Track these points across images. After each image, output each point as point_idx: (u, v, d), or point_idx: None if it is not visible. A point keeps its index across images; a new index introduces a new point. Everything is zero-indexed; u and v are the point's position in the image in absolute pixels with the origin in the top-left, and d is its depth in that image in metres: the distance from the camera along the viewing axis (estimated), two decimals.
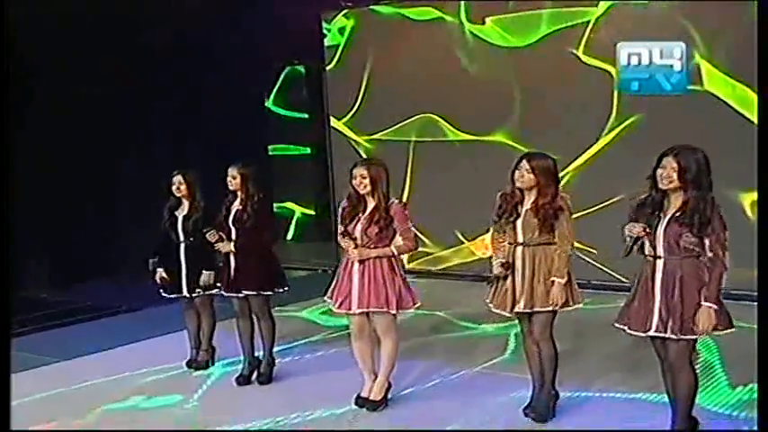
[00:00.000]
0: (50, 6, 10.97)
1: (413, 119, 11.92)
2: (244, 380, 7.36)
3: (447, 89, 11.57)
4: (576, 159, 10.39)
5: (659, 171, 5.16)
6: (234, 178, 7.19)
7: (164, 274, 7.75)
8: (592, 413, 6.34)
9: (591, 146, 10.54)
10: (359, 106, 12.39)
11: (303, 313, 9.96)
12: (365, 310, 6.39)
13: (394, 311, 6.40)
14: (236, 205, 7.25)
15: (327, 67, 12.76)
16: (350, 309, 6.43)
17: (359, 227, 6.38)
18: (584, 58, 10.56)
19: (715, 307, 5.09)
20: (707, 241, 5.09)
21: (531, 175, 5.86)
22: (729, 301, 5.29)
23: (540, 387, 6.15)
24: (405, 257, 6.58)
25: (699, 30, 9.77)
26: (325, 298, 6.64)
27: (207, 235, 7.20)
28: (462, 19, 11.47)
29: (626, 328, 5.39)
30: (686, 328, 5.13)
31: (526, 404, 6.25)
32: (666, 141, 5.44)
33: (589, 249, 9.51)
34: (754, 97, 9.06)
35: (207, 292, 7.68)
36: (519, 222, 5.92)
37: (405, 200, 9.13)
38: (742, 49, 9.00)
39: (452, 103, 11.58)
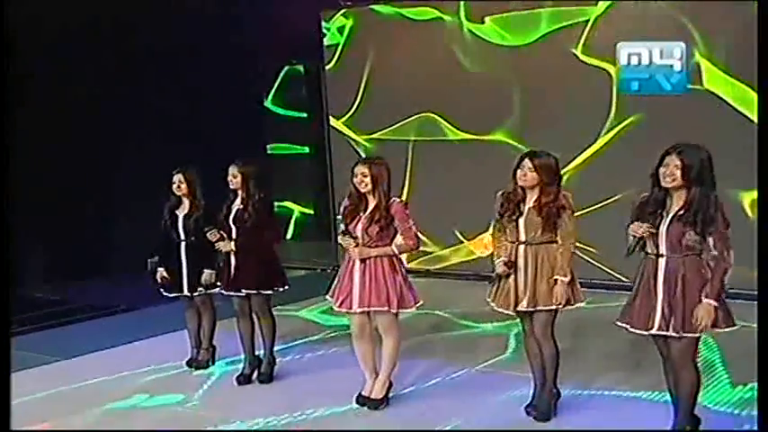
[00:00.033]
0: (50, 6, 10.97)
1: (412, 118, 11.93)
2: (245, 379, 7.36)
3: (446, 88, 11.58)
4: (575, 158, 10.39)
5: (662, 169, 5.15)
6: (234, 177, 7.17)
7: (164, 274, 7.74)
8: (593, 412, 6.34)
9: (590, 145, 10.55)
10: (358, 105, 12.39)
11: (302, 313, 9.96)
12: (366, 309, 6.39)
13: (395, 310, 6.40)
14: (237, 204, 7.23)
15: (327, 67, 12.76)
16: (351, 308, 6.42)
17: (360, 226, 6.37)
18: (583, 58, 10.57)
19: (715, 303, 5.09)
20: (710, 239, 5.09)
21: (534, 174, 5.86)
22: (729, 300, 5.29)
23: (542, 386, 6.15)
24: (404, 256, 6.55)
25: (698, 29, 9.79)
26: (327, 297, 6.64)
27: (208, 234, 7.19)
28: (462, 18, 11.47)
29: (628, 326, 5.39)
30: (688, 326, 5.13)
31: (528, 402, 6.26)
32: (666, 140, 5.44)
33: (588, 248, 9.50)
34: (753, 96, 9.08)
35: (208, 291, 7.67)
36: (521, 221, 5.92)
37: (404, 199, 9.13)
38: (742, 48, 9.02)
39: (451, 102, 11.59)
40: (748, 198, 9.22)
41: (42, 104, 11.55)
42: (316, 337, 8.82)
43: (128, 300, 10.62)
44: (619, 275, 10.13)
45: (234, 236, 7.22)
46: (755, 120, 8.04)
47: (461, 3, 11.48)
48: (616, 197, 9.95)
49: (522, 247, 5.95)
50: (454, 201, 11.30)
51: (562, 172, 6.13)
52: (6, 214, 9.31)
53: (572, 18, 10.65)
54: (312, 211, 15.23)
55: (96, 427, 6.53)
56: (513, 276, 5.97)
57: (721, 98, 9.69)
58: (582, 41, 10.56)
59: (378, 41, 12.23)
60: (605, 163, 10.39)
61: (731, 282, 5.23)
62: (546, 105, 10.81)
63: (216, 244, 7.22)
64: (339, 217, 6.65)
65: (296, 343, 8.55)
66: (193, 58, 12.54)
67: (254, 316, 7.39)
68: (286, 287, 7.39)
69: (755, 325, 5.03)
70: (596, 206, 10.02)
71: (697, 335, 5.19)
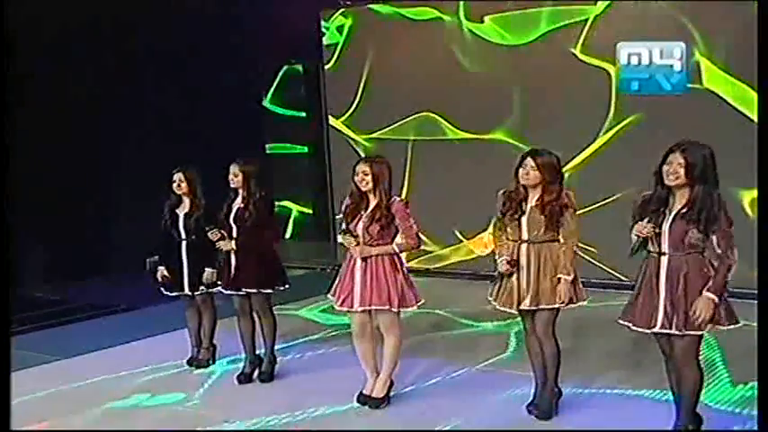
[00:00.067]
0: (50, 6, 10.96)
1: (411, 117, 11.93)
2: (245, 378, 7.35)
3: (445, 88, 11.60)
4: (574, 158, 10.39)
5: (665, 167, 5.14)
6: (236, 176, 7.16)
7: (165, 273, 7.73)
8: (594, 411, 6.34)
9: (589, 145, 10.56)
10: (357, 105, 12.41)
11: (301, 312, 9.97)
12: (367, 307, 6.39)
13: (396, 309, 6.39)
14: (238, 203, 7.22)
15: (326, 66, 12.76)
16: (352, 306, 6.42)
17: (361, 224, 6.37)
18: (583, 57, 10.58)
19: (714, 297, 5.09)
20: (714, 238, 5.10)
21: (537, 172, 5.86)
22: (730, 299, 5.29)
23: (543, 384, 6.15)
24: (403, 255, 6.55)
25: (698, 29, 9.80)
26: (329, 295, 6.64)
27: (209, 234, 7.18)
28: (461, 18, 11.48)
29: (630, 324, 5.39)
30: (691, 324, 5.14)
31: (529, 401, 6.26)
32: (665, 139, 5.45)
33: (588, 248, 9.51)
34: (753, 95, 9.10)
35: (209, 290, 7.67)
36: (524, 219, 5.92)
37: (404, 198, 9.14)
38: (742, 48, 9.03)
39: (451, 101, 11.61)
40: (748, 197, 9.23)
41: (42, 104, 11.54)
42: (316, 336, 8.82)
43: (127, 299, 10.61)
44: (618, 275, 10.17)
45: (234, 235, 7.22)
46: (755, 119, 8.05)
47: (461, 2, 11.48)
48: (615, 196, 9.97)
49: (524, 246, 5.95)
50: (453, 200, 11.31)
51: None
52: (6, 214, 9.32)
53: (571, 17, 10.65)
54: (311, 211, 15.22)
55: (97, 427, 6.52)
56: (515, 275, 5.97)
57: (721, 97, 9.71)
58: (581, 41, 10.58)
59: (377, 41, 12.23)
60: (605, 162, 10.40)
61: (731, 281, 5.24)
62: (545, 105, 10.82)
63: (217, 243, 7.21)
64: (340, 216, 6.65)
65: (296, 342, 8.56)
66: (192, 57, 12.55)
67: (255, 315, 7.38)
68: (287, 286, 7.38)
69: (756, 324, 5.04)
70: (596, 205, 10.02)
71: (700, 333, 5.20)
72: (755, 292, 5.07)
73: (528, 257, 5.93)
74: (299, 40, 13.25)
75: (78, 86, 11.72)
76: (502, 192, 6.06)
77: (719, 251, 5.09)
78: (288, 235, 15.20)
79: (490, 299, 6.17)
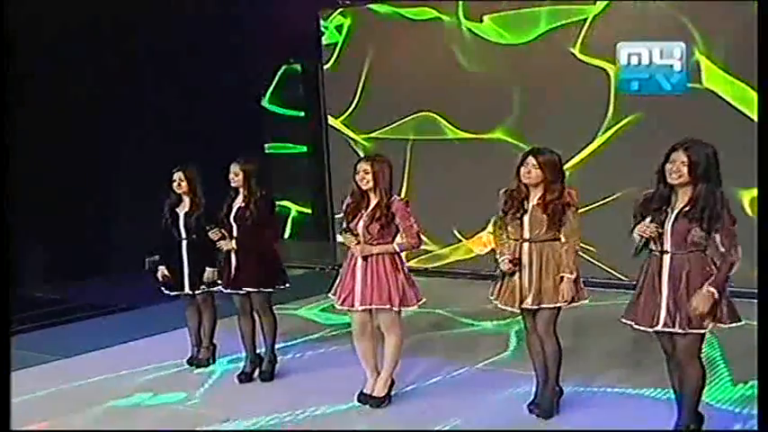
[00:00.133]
0: (50, 6, 10.96)
1: (410, 117, 11.94)
2: (246, 377, 7.36)
3: (444, 87, 11.61)
4: (574, 157, 10.40)
5: (668, 165, 5.15)
6: (236, 175, 7.15)
7: (165, 272, 7.73)
8: (595, 409, 6.35)
9: (589, 144, 10.57)
10: (357, 104, 12.41)
11: (300, 311, 9.98)
12: (368, 307, 6.40)
13: (397, 308, 6.40)
14: (239, 202, 7.22)
15: (325, 66, 12.77)
16: (353, 305, 6.42)
17: (361, 223, 6.37)
18: (581, 57, 10.59)
19: (714, 291, 5.09)
20: (717, 236, 5.10)
21: (539, 171, 5.86)
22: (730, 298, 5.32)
23: (544, 383, 6.16)
24: (402, 254, 6.54)
25: (698, 29, 9.82)
26: (330, 294, 6.64)
27: (210, 233, 7.18)
28: (460, 17, 11.48)
29: (633, 323, 5.39)
30: (694, 322, 5.15)
31: (530, 400, 6.26)
32: (665, 138, 5.46)
33: (587, 247, 9.52)
34: (753, 95, 9.11)
35: (209, 289, 7.67)
36: (526, 218, 5.93)
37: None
38: (741, 48, 9.04)
39: (450, 101, 11.61)
40: (747, 196, 9.23)
41: (42, 104, 11.53)
42: (316, 336, 8.83)
43: (127, 299, 10.61)
44: (617, 274, 10.19)
45: (235, 234, 7.22)
46: (755, 118, 8.06)
47: (460, 2, 11.49)
48: (615, 196, 9.99)
49: (526, 245, 5.95)
50: (452, 199, 11.32)
51: None
52: (6, 214, 9.32)
53: (570, 17, 10.66)
54: (310, 211, 15.21)
55: (98, 426, 6.51)
56: (517, 274, 5.97)
57: (720, 97, 9.72)
58: (580, 41, 10.59)
59: (376, 40, 12.24)
60: (604, 162, 10.41)
61: (732, 280, 5.25)
62: (544, 104, 10.83)
63: (217, 242, 7.21)
64: (341, 215, 6.65)
65: (296, 341, 8.56)
66: (191, 57, 12.53)
67: (255, 314, 7.38)
68: (287, 285, 7.38)
69: (756, 323, 5.06)
70: (596, 205, 10.03)
71: (702, 331, 5.21)
72: (755, 291, 5.08)
73: (530, 256, 5.93)
74: (298, 40, 13.24)
75: (78, 86, 11.71)
76: (503, 191, 6.05)
77: (723, 249, 5.10)
78: (287, 235, 15.19)
79: (491, 298, 6.17)
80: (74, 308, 10.46)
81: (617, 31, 10.27)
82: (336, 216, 12.18)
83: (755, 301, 5.09)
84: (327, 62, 12.72)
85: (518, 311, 6.09)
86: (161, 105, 12.46)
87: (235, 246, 7.19)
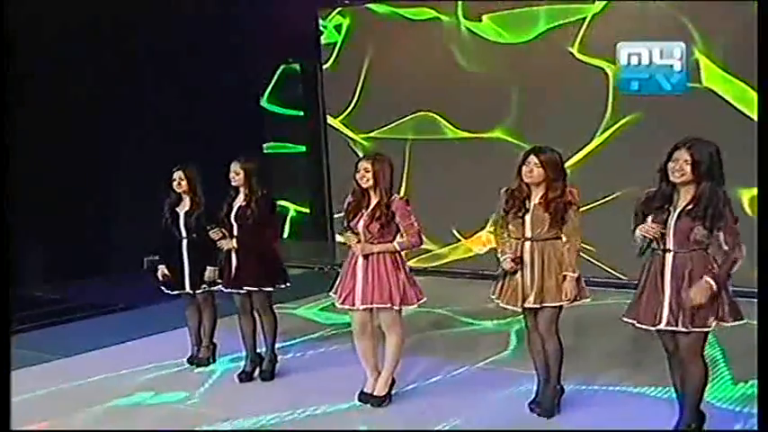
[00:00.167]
0: (50, 6, 10.96)
1: (409, 116, 11.94)
2: (246, 376, 7.36)
3: (443, 87, 11.61)
4: (572, 156, 10.40)
5: (671, 164, 5.15)
6: (237, 174, 7.15)
7: (165, 271, 7.73)
8: (596, 408, 6.36)
9: (588, 143, 10.58)
10: (356, 104, 12.41)
11: (299, 311, 9.98)
12: (368, 306, 6.40)
13: (397, 307, 6.40)
14: (239, 201, 7.21)
15: (324, 65, 12.77)
16: (353, 304, 6.42)
17: (361, 222, 6.38)
18: (580, 56, 10.60)
19: (713, 283, 5.09)
20: (720, 234, 5.11)
21: (541, 169, 5.86)
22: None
23: (545, 382, 6.17)
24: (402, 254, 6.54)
25: (698, 29, 9.83)
26: (331, 293, 6.65)
27: (211, 233, 7.18)
28: (459, 17, 11.49)
29: (635, 322, 5.39)
30: (698, 320, 5.15)
31: (531, 399, 6.26)
32: (664, 137, 5.47)
33: (586, 246, 9.52)
34: (752, 94, 9.12)
35: (210, 289, 7.67)
36: (528, 217, 5.93)
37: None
38: (741, 48, 9.05)
39: (449, 100, 11.61)
40: (747, 196, 9.24)
41: (42, 104, 11.53)
42: (316, 335, 8.83)
43: (127, 298, 10.62)
44: (616, 273, 10.20)
45: (235, 233, 7.21)
46: (755, 118, 8.07)
47: (459, 2, 11.49)
48: (615, 195, 10.00)
49: (527, 244, 5.95)
50: (451, 199, 11.32)
51: None
52: (6, 214, 9.32)
53: (569, 16, 10.67)
54: (308, 210, 15.21)
55: (99, 425, 6.52)
56: (519, 273, 5.97)
57: (720, 96, 9.73)
58: (578, 40, 10.60)
59: (375, 40, 12.24)
60: (604, 161, 10.41)
61: (732, 279, 5.27)
62: (543, 104, 10.83)
63: (218, 242, 7.21)
64: (341, 214, 6.65)
65: (296, 341, 8.56)
66: (190, 57, 12.53)
67: (256, 313, 7.38)
68: (287, 284, 7.38)
69: (755, 322, 5.07)
70: (596, 204, 10.03)
71: (706, 329, 5.22)
72: (755, 290, 5.09)
73: (531, 255, 5.93)
74: (297, 39, 13.23)
75: (78, 86, 11.71)
76: (504, 189, 6.04)
77: (726, 247, 5.11)
78: (285, 234, 15.18)
79: (493, 297, 6.16)
80: (74, 307, 10.44)
81: (617, 30, 10.28)
82: (335, 216, 12.23)
83: (755, 300, 5.10)
84: (326, 62, 12.72)
85: (519, 310, 6.08)
86: (159, 105, 12.45)
87: (235, 245, 7.19)
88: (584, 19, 10.58)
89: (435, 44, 11.68)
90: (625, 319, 5.46)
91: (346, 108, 12.52)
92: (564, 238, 5.93)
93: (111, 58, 11.98)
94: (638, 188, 5.56)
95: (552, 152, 5.94)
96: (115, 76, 12.09)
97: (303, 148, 14.97)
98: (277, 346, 7.58)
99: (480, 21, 11.37)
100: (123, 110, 12.27)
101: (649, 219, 5.26)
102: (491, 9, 11.28)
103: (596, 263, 10.22)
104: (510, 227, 6.04)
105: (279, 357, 7.54)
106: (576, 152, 10.47)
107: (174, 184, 7.63)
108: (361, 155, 9.20)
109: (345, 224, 6.49)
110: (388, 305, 6.36)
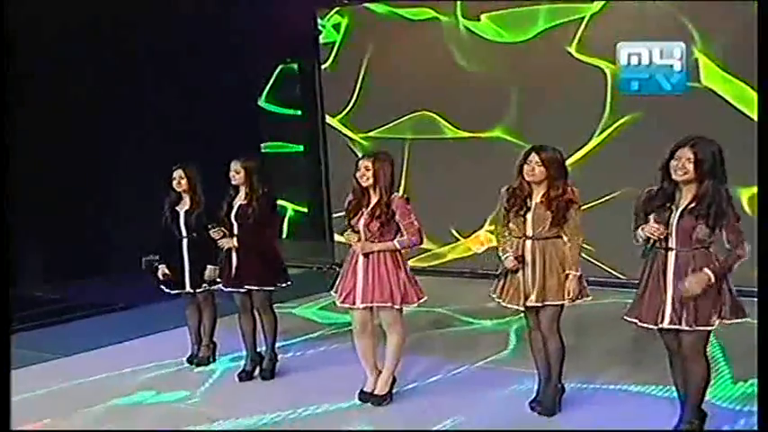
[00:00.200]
0: (50, 6, 10.96)
1: (408, 116, 11.94)
2: (247, 375, 7.36)
3: (442, 86, 11.61)
4: (572, 156, 10.39)
5: (673, 162, 5.14)
6: (237, 173, 7.15)
7: (166, 270, 7.73)
8: (597, 407, 6.36)
9: (587, 143, 10.59)
10: (354, 103, 12.41)
11: (298, 310, 9.99)
12: (369, 304, 6.40)
13: (398, 306, 6.40)
14: (240, 200, 7.21)
15: (323, 65, 12.77)
16: (354, 303, 6.42)
17: (362, 221, 6.37)
18: (579, 56, 10.61)
19: (711, 274, 5.09)
20: (723, 233, 5.12)
21: (542, 168, 5.86)
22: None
23: (546, 381, 6.17)
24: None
25: (698, 29, 9.84)
26: (332, 292, 6.65)
27: (212, 232, 7.17)
28: (458, 16, 11.49)
29: (637, 321, 5.38)
30: (701, 319, 5.15)
31: (532, 398, 6.26)
32: (664, 137, 5.48)
33: (585, 246, 9.51)
34: (752, 94, 9.13)
35: (210, 288, 7.67)
36: (529, 216, 5.93)
37: None
38: (741, 48, 9.06)
39: (447, 100, 11.62)
40: (746, 195, 9.24)
41: (42, 104, 11.53)
42: (316, 334, 8.83)
43: (127, 297, 10.61)
44: (616, 273, 10.20)
45: (235, 232, 7.20)
46: (754, 117, 8.08)
47: (458, 1, 11.50)
48: (615, 194, 10.00)
49: (529, 243, 5.95)
50: (451, 199, 11.32)
51: None
52: (6, 214, 9.32)
53: (568, 16, 10.68)
54: (306, 210, 15.20)
55: (99, 424, 6.51)
56: (520, 271, 5.96)
57: (720, 96, 9.74)
58: (577, 39, 10.60)
59: (374, 39, 12.24)
60: (604, 161, 10.42)
61: (732, 278, 5.28)
62: (543, 103, 10.83)
63: (218, 241, 7.20)
64: (342, 213, 6.65)
65: (296, 340, 8.56)
66: (189, 56, 12.54)
67: (256, 312, 7.38)
68: (288, 283, 7.38)
69: (755, 321, 5.07)
70: (596, 202, 10.03)
71: (709, 328, 5.22)
72: (755, 290, 5.10)
73: (533, 254, 5.93)
74: (296, 39, 13.25)
75: (78, 86, 11.71)
76: (506, 188, 6.04)
77: (729, 246, 5.12)
78: (284, 234, 15.17)
79: (494, 295, 6.15)
80: (74, 307, 10.44)
81: (616, 30, 10.27)
82: (334, 215, 12.23)
83: (755, 300, 5.10)
84: (325, 61, 12.72)
85: (519, 309, 6.08)
86: (158, 105, 12.46)
87: (236, 244, 7.18)
88: (582, 18, 10.58)
89: (434, 44, 11.68)
90: (627, 319, 5.45)
91: (345, 108, 12.52)
92: (565, 237, 5.93)
93: (111, 58, 11.99)
94: (637, 188, 5.55)
95: (554, 151, 5.93)
96: (115, 76, 12.09)
97: (301, 148, 14.97)
98: (277, 345, 7.57)
99: (479, 20, 11.37)
100: (123, 110, 12.27)
101: (651, 218, 5.26)
102: (490, 8, 11.28)
103: (596, 262, 10.21)
104: (511, 225, 6.04)
105: (279, 356, 7.54)
106: (576, 152, 10.47)
107: (174, 182, 7.63)
108: (359, 154, 9.21)
109: (346, 223, 6.49)
110: (389, 304, 6.35)
